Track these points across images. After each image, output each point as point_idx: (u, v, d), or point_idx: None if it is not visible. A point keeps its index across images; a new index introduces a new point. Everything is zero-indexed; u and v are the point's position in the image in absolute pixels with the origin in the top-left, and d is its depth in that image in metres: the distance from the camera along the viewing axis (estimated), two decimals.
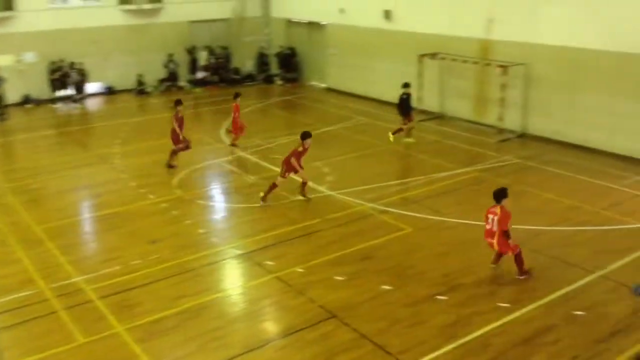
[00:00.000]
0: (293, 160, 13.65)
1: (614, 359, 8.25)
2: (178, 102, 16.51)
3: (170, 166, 16.40)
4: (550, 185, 14.69)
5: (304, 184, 14.07)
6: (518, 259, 10.32)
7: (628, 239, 11.85)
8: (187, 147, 16.54)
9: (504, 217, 10.10)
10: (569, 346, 8.55)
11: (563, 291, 9.97)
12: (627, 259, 10.99)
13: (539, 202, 13.75)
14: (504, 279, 10.43)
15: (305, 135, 13.80)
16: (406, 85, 18.49)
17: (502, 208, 10.18)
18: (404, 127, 18.45)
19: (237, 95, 18.47)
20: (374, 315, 9.40)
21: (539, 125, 18.63)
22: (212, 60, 27.95)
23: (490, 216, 10.26)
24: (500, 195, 10.24)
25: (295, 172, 13.82)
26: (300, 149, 13.76)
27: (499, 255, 10.61)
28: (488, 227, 10.33)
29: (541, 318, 9.23)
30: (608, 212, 13.12)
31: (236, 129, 18.43)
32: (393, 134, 18.51)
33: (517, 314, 9.35)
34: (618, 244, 11.63)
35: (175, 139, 16.36)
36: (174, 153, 16.49)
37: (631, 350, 8.41)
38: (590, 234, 11.82)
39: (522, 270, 10.37)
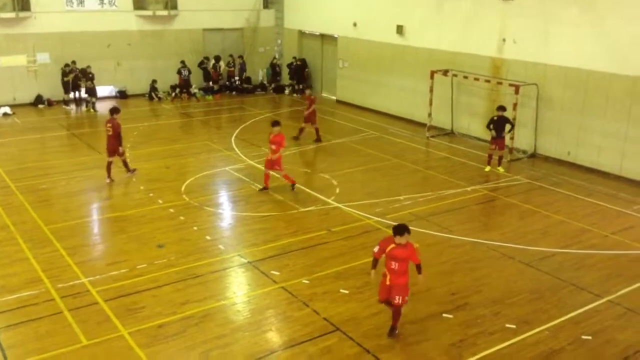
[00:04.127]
0: None
1: None
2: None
3: None
4: (560, 207, 14.60)
5: None
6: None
7: (638, 264, 11.74)
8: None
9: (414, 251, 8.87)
10: None
11: (571, 314, 9.88)
12: (636, 285, 10.88)
13: (549, 223, 13.66)
14: (512, 299, 10.33)
15: None
16: (501, 108, 17.36)
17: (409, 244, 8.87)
18: (496, 152, 17.32)
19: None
20: (378, 331, 9.31)
21: (550, 146, 18.59)
22: (223, 69, 28.10)
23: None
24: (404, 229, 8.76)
25: None
26: None
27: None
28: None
29: (548, 341, 9.13)
30: (618, 236, 13.02)
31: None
32: (499, 165, 17.43)
33: (523, 335, 9.25)
34: (628, 269, 11.52)
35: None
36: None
37: None
38: (600, 258, 11.73)
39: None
